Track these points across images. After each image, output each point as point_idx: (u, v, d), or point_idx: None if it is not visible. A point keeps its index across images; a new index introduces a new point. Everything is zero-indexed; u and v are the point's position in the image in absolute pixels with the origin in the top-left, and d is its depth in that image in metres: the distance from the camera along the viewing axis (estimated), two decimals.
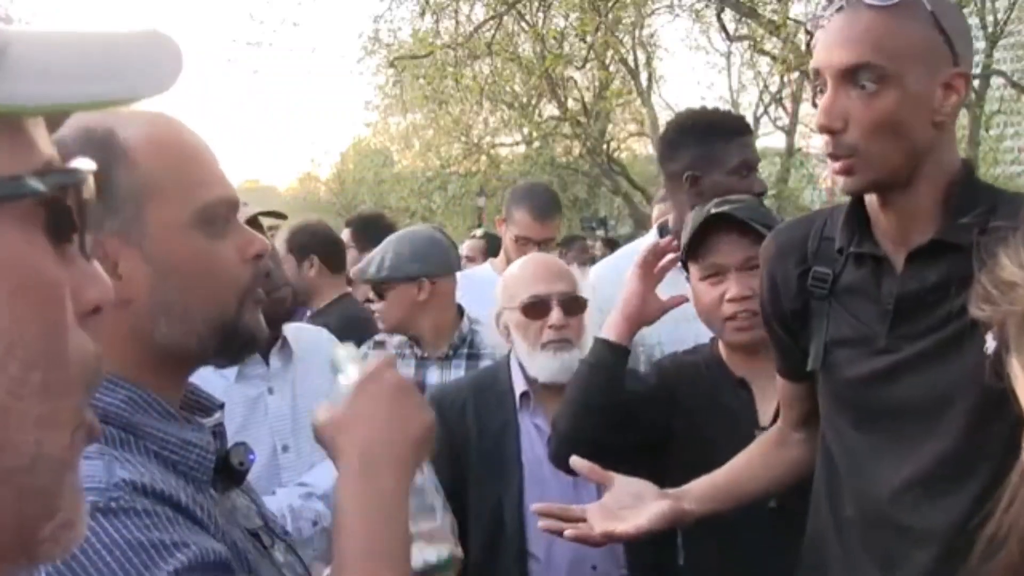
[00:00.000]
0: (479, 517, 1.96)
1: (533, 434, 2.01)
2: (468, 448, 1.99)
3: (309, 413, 1.80)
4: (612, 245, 10.76)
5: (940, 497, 1.23)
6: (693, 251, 1.78)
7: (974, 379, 1.15)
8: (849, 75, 1.20)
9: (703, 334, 2.20)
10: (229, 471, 0.96)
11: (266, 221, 2.02)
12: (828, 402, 1.39)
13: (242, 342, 0.96)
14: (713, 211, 1.73)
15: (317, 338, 1.96)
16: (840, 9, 1.22)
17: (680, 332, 2.23)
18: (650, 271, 1.82)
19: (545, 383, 1.99)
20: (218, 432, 0.99)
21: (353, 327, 2.73)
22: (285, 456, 1.75)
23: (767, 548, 1.60)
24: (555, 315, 1.98)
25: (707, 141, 2.27)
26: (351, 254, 3.57)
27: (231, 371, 1.80)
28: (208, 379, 1.73)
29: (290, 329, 1.87)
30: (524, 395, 2.03)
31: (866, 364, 1.30)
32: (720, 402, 1.82)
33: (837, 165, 1.24)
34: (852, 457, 1.34)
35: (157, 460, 0.87)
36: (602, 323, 2.51)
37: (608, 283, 2.43)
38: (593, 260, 10.60)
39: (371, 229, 3.60)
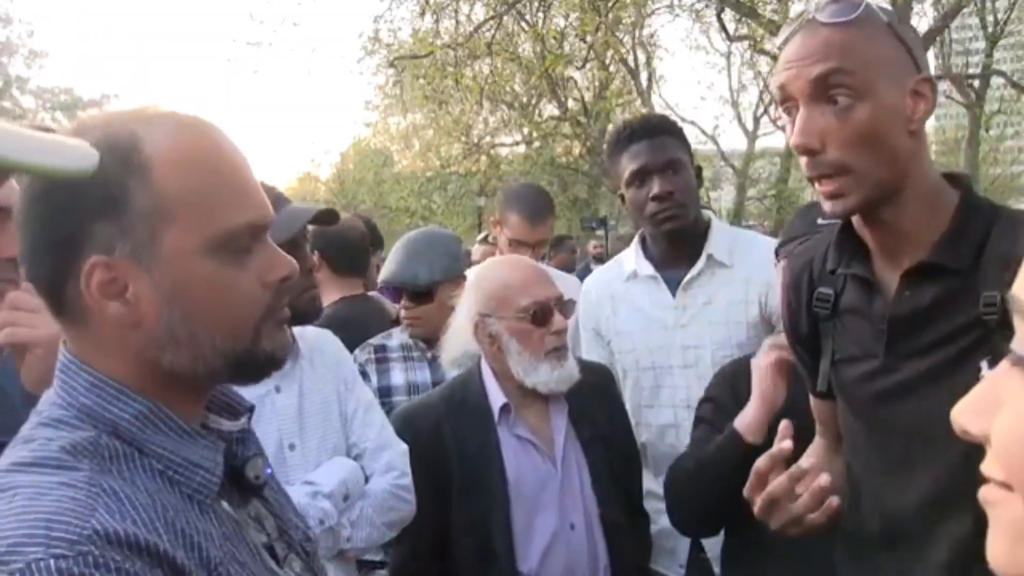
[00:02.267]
0: (465, 536, 1.90)
1: (516, 447, 1.94)
2: (449, 467, 1.92)
3: (316, 412, 1.82)
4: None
5: (944, 519, 1.21)
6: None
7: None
8: (820, 90, 1.18)
9: (674, 343, 2.22)
10: (245, 483, 0.95)
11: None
12: (844, 420, 1.38)
13: (259, 365, 0.93)
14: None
15: (322, 338, 1.97)
16: (797, 31, 1.22)
17: (653, 341, 2.26)
18: (783, 365, 1.82)
19: (531, 391, 1.94)
20: (241, 438, 0.98)
21: (338, 328, 2.69)
22: (292, 454, 1.75)
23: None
24: (558, 320, 1.92)
25: (611, 158, 2.31)
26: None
27: None
28: None
29: (295, 330, 1.88)
30: (503, 408, 1.95)
31: (869, 384, 1.29)
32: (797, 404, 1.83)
33: (827, 189, 1.22)
34: (868, 475, 1.33)
35: (160, 478, 0.85)
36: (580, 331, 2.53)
37: (595, 297, 2.46)
38: (601, 259, 10.68)
39: (375, 233, 3.62)
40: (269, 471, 0.99)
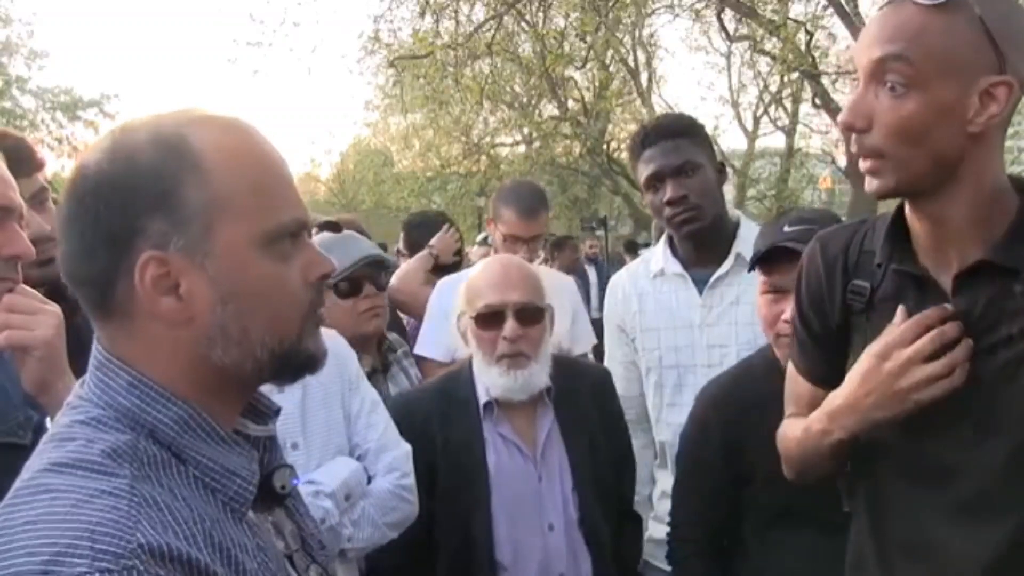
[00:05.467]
0: (448, 528, 1.93)
1: (499, 444, 1.96)
2: (435, 459, 1.94)
3: (319, 411, 1.81)
4: (632, 249, 10.81)
5: (980, 526, 1.18)
6: (760, 264, 1.77)
7: (1022, 410, 1.13)
8: (879, 72, 1.16)
9: (699, 342, 2.22)
10: (271, 492, 0.94)
11: None
12: None
13: (300, 364, 0.93)
14: (779, 240, 1.72)
15: (327, 338, 1.97)
16: (885, 5, 1.18)
17: (679, 339, 2.26)
18: None
19: (498, 399, 1.95)
20: (268, 445, 0.97)
21: None
22: (294, 454, 1.75)
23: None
24: (509, 327, 1.91)
25: (631, 164, 2.33)
26: (402, 262, 3.56)
27: None
28: None
29: None
30: (487, 405, 1.97)
31: None
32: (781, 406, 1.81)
33: (864, 165, 1.21)
34: (895, 479, 1.29)
35: (197, 486, 0.85)
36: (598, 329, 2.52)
37: (621, 295, 2.45)
38: (595, 260, 10.68)
39: (420, 229, 3.61)
40: (297, 482, 0.99)
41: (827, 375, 1.38)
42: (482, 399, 1.97)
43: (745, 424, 1.80)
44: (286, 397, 1.78)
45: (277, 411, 1.01)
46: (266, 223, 0.87)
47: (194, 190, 0.84)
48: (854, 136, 1.20)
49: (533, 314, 1.95)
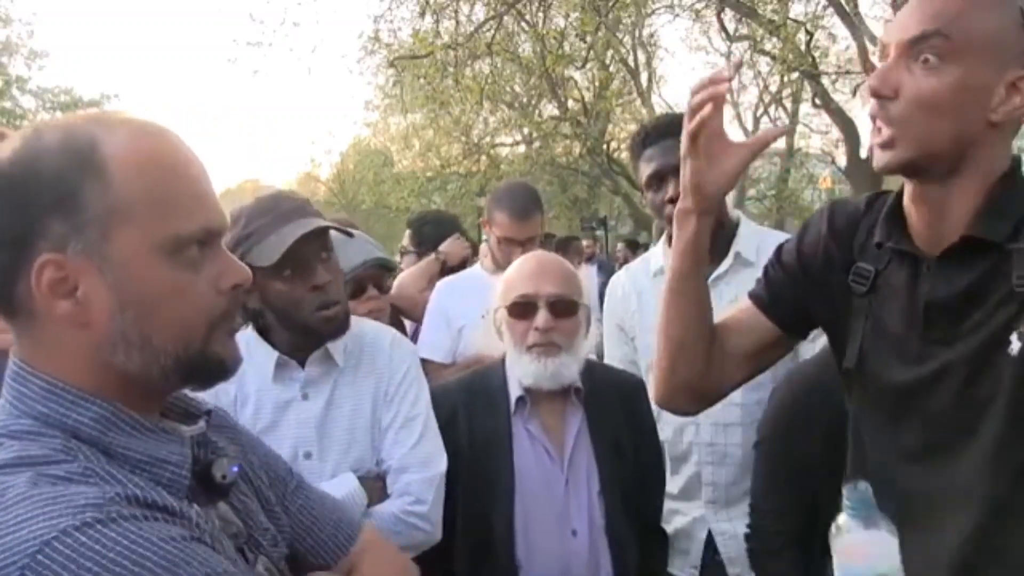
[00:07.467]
0: (468, 525, 1.89)
1: (526, 444, 1.94)
2: (459, 455, 1.90)
3: (342, 422, 1.75)
4: (634, 247, 10.77)
5: (961, 509, 1.19)
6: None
7: (1006, 386, 1.14)
8: (914, 46, 1.17)
9: None
10: (212, 484, 0.94)
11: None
12: (861, 404, 1.35)
13: (209, 370, 0.93)
14: None
15: (379, 339, 1.88)
16: None
17: None
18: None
19: (530, 388, 1.93)
20: (202, 442, 0.97)
21: None
22: (306, 463, 1.70)
23: None
24: (541, 317, 1.90)
25: (632, 163, 2.35)
26: (409, 258, 3.58)
27: (268, 369, 1.74)
28: (244, 376, 1.70)
29: (352, 336, 1.82)
30: (520, 399, 1.96)
31: (899, 370, 1.26)
32: None
33: (879, 138, 1.21)
34: (883, 463, 1.30)
35: (134, 476, 0.85)
36: (603, 330, 2.50)
37: (621, 294, 2.44)
38: (593, 259, 10.67)
39: (431, 227, 3.60)
40: (235, 469, 0.97)
41: (777, 307, 1.41)
42: (513, 394, 1.96)
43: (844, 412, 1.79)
44: (308, 405, 1.75)
45: (208, 411, 1.01)
46: (169, 230, 0.87)
47: (95, 194, 0.84)
48: (876, 103, 1.21)
49: (567, 307, 1.94)
